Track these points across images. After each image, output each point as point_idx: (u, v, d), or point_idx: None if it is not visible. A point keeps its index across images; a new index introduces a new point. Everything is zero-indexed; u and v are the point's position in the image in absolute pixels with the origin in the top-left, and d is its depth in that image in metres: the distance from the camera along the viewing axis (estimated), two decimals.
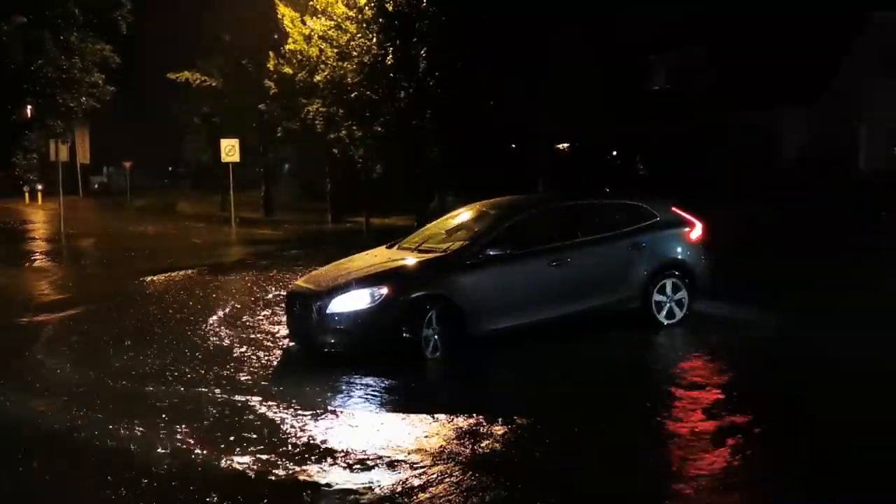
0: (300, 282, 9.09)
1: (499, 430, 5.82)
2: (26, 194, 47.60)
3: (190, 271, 15.45)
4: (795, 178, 20.94)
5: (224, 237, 24.68)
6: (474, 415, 6.10)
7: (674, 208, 9.56)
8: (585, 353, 8.22)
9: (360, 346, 7.83)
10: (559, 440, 5.74)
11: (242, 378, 7.56)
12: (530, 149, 21.01)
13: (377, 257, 8.85)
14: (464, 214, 9.70)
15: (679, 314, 9.07)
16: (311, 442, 5.78)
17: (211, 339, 9.34)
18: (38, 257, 19.36)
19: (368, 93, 22.28)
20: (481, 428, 5.87)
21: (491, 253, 8.24)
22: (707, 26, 24.07)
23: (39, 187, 43.97)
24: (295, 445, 5.71)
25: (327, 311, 7.83)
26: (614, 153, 26.79)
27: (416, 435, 5.82)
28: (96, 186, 68.04)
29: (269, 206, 35.13)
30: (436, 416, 6.16)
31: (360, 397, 6.94)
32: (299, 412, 6.44)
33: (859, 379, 6.92)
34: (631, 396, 6.79)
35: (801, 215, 17.83)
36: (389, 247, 9.32)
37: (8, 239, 24.24)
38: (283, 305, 9.69)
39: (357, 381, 7.32)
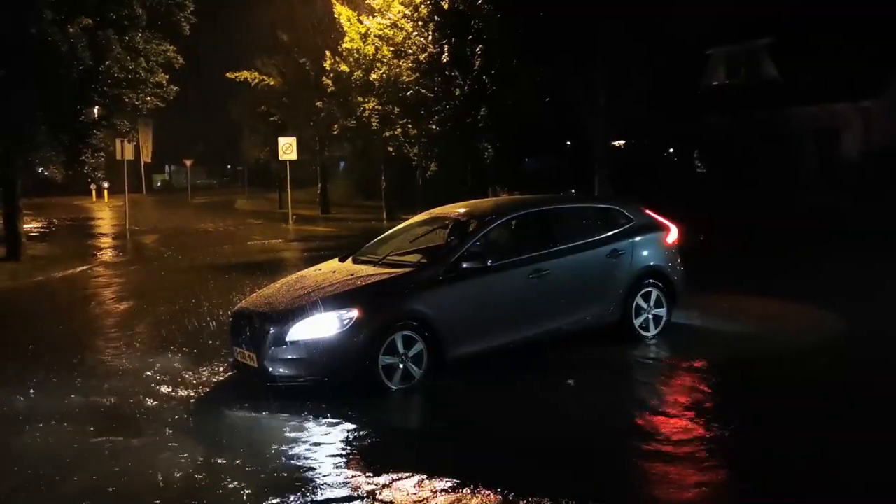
0: (248, 302, 7.69)
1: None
2: (93, 192, 49.18)
3: (241, 265, 15.85)
4: (856, 175, 20.41)
5: (282, 233, 25.15)
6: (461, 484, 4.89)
7: (647, 211, 8.80)
8: (567, 386, 6.99)
9: (321, 378, 6.69)
10: None
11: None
12: (586, 146, 20.89)
13: (336, 273, 7.66)
14: (427, 222, 8.78)
15: (659, 326, 8.37)
16: None
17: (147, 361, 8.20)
18: (107, 251, 20.11)
19: (424, 91, 22.46)
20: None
21: (465, 266, 7.26)
22: (767, 20, 23.60)
23: (106, 185, 45.34)
24: None
25: (286, 339, 6.70)
26: (671, 150, 26.44)
27: None
28: (158, 184, 69.97)
29: (325, 203, 35.62)
30: (410, 478, 5.02)
31: (310, 454, 5.58)
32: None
33: None
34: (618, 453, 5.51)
35: (862, 213, 17.35)
36: (343, 259, 8.27)
37: (81, 235, 25.44)
38: None
39: (312, 428, 6.08)
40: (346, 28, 26.38)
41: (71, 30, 15.96)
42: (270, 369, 6.75)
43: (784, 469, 5.05)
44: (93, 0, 17.00)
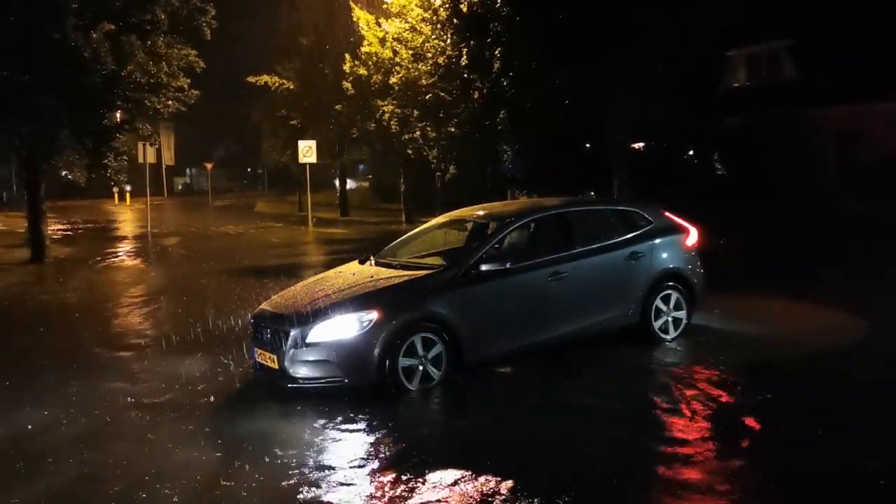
0: (269, 304, 7.67)
1: None
2: (115, 195, 49.69)
3: (261, 269, 15.96)
4: (876, 177, 20.21)
5: (302, 237, 25.29)
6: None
7: (666, 213, 8.78)
8: (588, 393, 6.89)
9: (341, 380, 6.73)
10: None
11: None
12: (604, 148, 20.82)
13: (356, 275, 7.71)
14: (446, 224, 8.90)
15: (679, 328, 8.36)
16: None
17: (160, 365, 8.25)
18: (129, 253, 20.35)
19: (442, 94, 22.49)
20: None
21: (484, 268, 7.27)
22: (788, 20, 23.43)
23: (128, 188, 45.77)
24: None
25: (307, 340, 6.74)
26: (690, 152, 26.29)
27: None
28: (180, 187, 70.50)
29: (345, 206, 35.74)
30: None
31: (329, 456, 5.58)
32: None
33: None
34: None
35: (882, 216, 17.17)
36: (362, 262, 8.28)
37: (104, 237, 25.81)
38: None
39: (331, 430, 6.11)
40: (364, 32, 26.52)
41: (94, 35, 16.16)
42: (291, 370, 6.79)
43: (811, 476, 5.02)
44: (115, 6, 17.24)
